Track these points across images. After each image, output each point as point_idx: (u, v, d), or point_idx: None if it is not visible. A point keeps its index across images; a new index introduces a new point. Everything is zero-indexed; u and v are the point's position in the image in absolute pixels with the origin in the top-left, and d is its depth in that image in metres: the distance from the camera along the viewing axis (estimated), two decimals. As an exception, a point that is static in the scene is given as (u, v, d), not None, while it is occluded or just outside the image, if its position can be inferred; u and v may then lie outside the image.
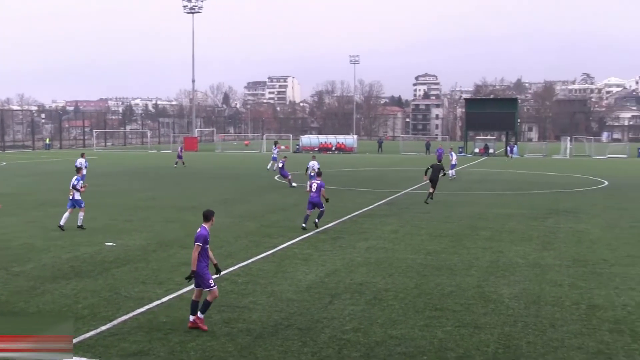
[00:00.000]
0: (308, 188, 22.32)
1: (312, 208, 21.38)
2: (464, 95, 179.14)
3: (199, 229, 11.12)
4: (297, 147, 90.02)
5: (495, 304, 12.62)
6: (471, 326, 11.27)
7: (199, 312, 10.95)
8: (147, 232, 20.68)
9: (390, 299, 12.94)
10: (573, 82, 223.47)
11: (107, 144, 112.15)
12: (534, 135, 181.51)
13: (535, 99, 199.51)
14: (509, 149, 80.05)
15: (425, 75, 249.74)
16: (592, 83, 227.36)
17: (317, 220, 21.40)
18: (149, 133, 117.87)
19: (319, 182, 21.65)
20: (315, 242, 19.08)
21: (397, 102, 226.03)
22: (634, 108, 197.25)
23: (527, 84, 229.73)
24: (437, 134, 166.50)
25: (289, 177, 36.76)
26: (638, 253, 17.88)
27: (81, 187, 21.21)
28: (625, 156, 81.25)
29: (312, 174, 32.87)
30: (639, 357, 10.00)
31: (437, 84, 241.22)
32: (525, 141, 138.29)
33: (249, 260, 16.36)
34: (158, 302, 12.56)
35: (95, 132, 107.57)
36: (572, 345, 10.38)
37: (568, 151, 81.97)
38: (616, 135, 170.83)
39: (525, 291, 13.65)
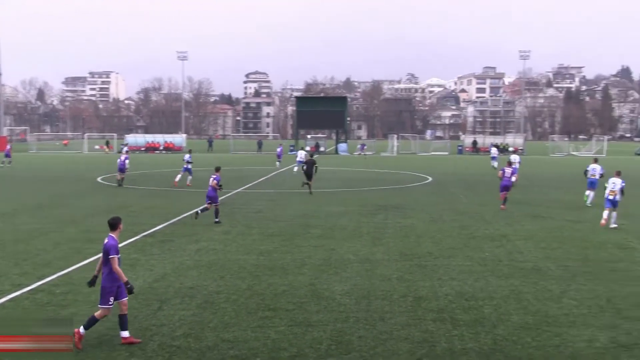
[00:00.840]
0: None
1: (209, 201, 22.69)
2: (295, 94, 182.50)
3: (106, 240, 10.21)
4: (122, 146, 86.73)
5: (327, 301, 12.70)
6: (304, 324, 11.25)
7: (81, 327, 10.09)
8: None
9: (222, 302, 12.63)
10: (399, 82, 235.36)
11: None
12: (363, 133, 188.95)
13: (364, 97, 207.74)
14: (359, 147, 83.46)
15: (256, 72, 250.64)
16: (416, 83, 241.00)
17: (216, 219, 22.32)
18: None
19: (214, 176, 23.03)
20: (142, 246, 18.26)
21: (228, 100, 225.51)
22: (454, 107, 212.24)
23: (356, 83, 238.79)
24: (268, 132, 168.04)
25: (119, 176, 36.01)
26: (458, 245, 18.88)
27: None
28: (446, 153, 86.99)
29: (186, 166, 36.88)
30: (458, 342, 10.49)
31: (268, 81, 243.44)
32: (355, 139, 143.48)
33: (70, 269, 15.27)
34: (-38, 320, 11.26)
35: None
36: (400, 337, 10.69)
37: (395, 149, 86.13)
38: (439, 133, 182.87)
39: (357, 287, 13.88)
